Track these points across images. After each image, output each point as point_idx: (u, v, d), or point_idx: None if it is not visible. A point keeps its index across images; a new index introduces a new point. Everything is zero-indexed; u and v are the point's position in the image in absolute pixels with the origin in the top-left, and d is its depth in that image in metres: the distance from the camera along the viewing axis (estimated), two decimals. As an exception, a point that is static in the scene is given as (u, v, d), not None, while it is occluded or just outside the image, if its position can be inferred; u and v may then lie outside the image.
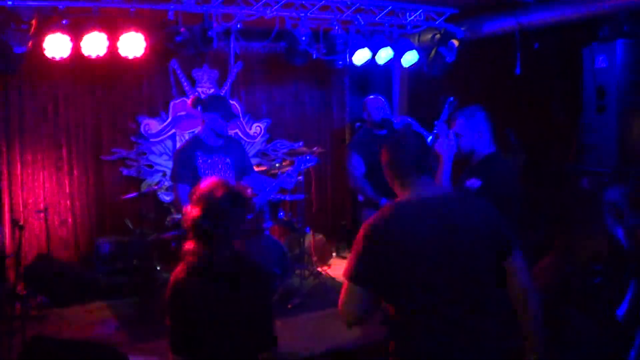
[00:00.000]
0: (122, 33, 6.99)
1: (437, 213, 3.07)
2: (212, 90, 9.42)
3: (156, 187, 8.38)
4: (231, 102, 9.41)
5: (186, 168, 6.14)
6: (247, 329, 3.37)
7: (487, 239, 3.09)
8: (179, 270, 3.41)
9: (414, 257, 2.97)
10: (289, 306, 7.56)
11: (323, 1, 7.64)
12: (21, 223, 6.70)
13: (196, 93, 9.30)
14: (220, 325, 3.34)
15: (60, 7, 6.57)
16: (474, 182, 4.48)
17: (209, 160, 6.16)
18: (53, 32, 6.65)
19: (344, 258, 9.88)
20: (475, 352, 2.98)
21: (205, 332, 3.34)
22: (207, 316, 3.32)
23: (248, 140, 9.79)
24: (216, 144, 6.21)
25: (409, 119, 7.35)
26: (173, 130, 9.20)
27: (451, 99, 6.31)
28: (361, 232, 3.10)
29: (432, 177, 3.29)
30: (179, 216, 7.34)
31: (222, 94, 9.38)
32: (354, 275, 3.06)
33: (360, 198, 7.47)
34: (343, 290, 3.12)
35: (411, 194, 3.19)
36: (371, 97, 7.31)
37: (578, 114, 7.24)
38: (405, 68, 8.73)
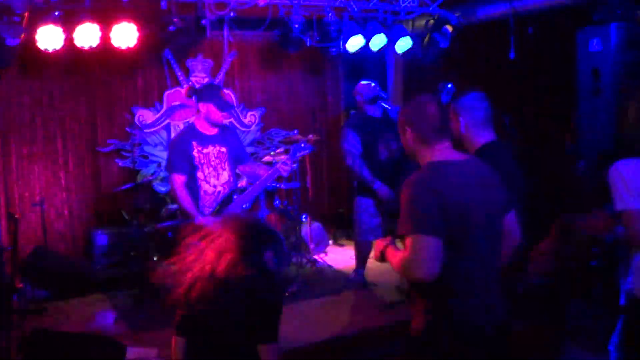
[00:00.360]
0: (114, 24, 6.97)
1: (468, 172, 3.29)
2: (206, 80, 9.39)
3: (151, 178, 8.37)
4: (225, 91, 9.42)
5: (182, 158, 6.14)
6: (254, 325, 3.47)
7: (501, 196, 3.37)
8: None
9: (463, 208, 3.14)
10: (286, 294, 7.57)
11: (316, -12, 7.64)
12: (17, 216, 6.69)
13: (190, 83, 9.27)
14: (228, 321, 3.47)
15: (52, -1, 6.55)
16: None
17: (204, 150, 6.16)
18: (45, 24, 6.63)
19: (341, 245, 9.90)
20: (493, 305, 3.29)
21: (213, 324, 3.52)
22: (218, 312, 3.48)
23: (243, 129, 9.77)
24: (211, 133, 6.20)
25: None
26: (168, 121, 9.18)
27: (449, 85, 6.31)
28: (410, 190, 3.17)
29: (451, 140, 3.40)
30: (175, 206, 7.35)
31: (216, 83, 9.36)
32: (429, 227, 3.07)
33: (355, 183, 7.50)
34: (413, 250, 3.08)
35: (438, 155, 3.31)
36: (364, 82, 7.42)
37: (573, 98, 7.24)
38: (399, 54, 8.72)
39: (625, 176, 3.85)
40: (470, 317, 3.20)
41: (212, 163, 6.19)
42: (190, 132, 6.24)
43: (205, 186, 6.20)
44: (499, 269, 3.35)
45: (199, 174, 6.17)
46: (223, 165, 6.22)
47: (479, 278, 3.22)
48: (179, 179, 6.10)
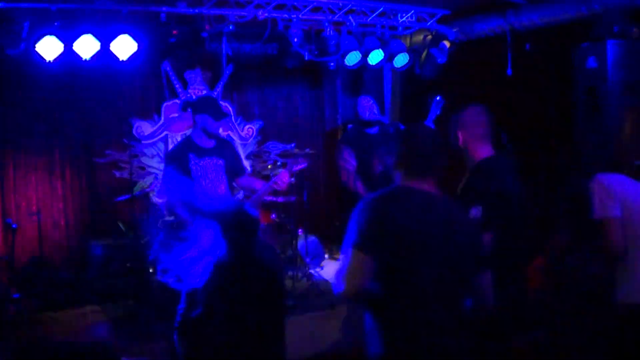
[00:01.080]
0: (114, 35, 6.98)
1: (439, 208, 3.14)
2: (204, 92, 9.41)
3: (148, 190, 8.37)
4: (223, 103, 9.43)
5: (178, 170, 6.13)
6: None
7: (470, 248, 3.18)
8: None
9: (414, 239, 3.02)
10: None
11: (315, 2, 7.66)
12: (14, 226, 6.69)
13: (188, 95, 9.29)
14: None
15: (53, 9, 6.56)
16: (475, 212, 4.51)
17: (201, 163, 6.14)
18: (45, 34, 6.65)
19: (337, 260, 9.88)
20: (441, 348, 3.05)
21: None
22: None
23: (240, 141, 9.78)
24: (208, 145, 6.18)
25: (400, 125, 7.38)
26: (165, 133, 9.19)
27: (438, 97, 6.33)
28: (363, 204, 3.12)
29: (435, 179, 3.26)
30: (172, 218, 7.34)
31: (214, 95, 9.39)
32: (361, 242, 3.02)
33: (349, 200, 7.52)
34: (342, 263, 3.07)
35: (414, 185, 3.20)
36: (362, 96, 7.45)
37: (570, 115, 7.26)
38: (397, 69, 8.74)
39: (607, 185, 3.94)
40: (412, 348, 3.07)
41: (210, 176, 6.17)
42: (188, 144, 6.21)
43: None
44: (450, 318, 3.09)
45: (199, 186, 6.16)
46: (220, 177, 6.20)
47: (421, 317, 3.05)
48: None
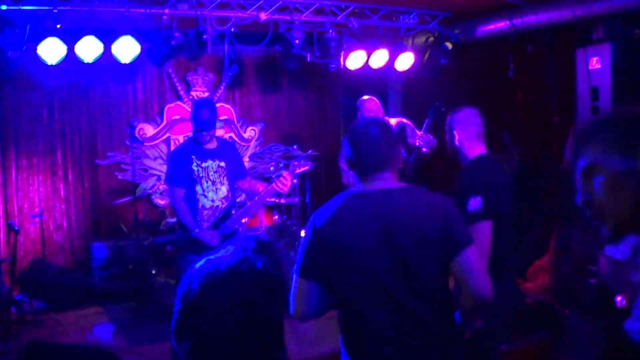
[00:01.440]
0: (116, 37, 6.99)
1: (376, 207, 2.94)
2: (206, 94, 9.44)
3: (151, 191, 8.39)
4: (225, 105, 9.47)
5: (181, 171, 6.12)
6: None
7: (430, 237, 2.89)
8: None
9: (349, 250, 2.89)
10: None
11: (317, 4, 7.66)
12: (16, 227, 6.69)
13: (191, 97, 9.32)
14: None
15: (55, 11, 6.57)
16: (474, 203, 4.51)
17: (203, 164, 6.13)
18: (47, 36, 6.66)
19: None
20: (405, 349, 2.92)
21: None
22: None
23: (242, 143, 9.80)
24: (211, 147, 6.18)
25: (404, 121, 7.37)
26: (168, 135, 9.21)
27: (437, 103, 6.36)
28: (308, 223, 3.09)
29: (393, 171, 3.05)
30: (174, 220, 7.34)
31: (216, 97, 9.42)
32: (298, 268, 2.99)
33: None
34: (293, 284, 3.01)
35: (362, 186, 3.04)
36: (365, 97, 7.38)
37: (572, 116, 7.26)
38: (399, 71, 8.74)
39: None
40: None
41: (211, 177, 6.16)
42: (191, 145, 6.21)
43: (203, 200, 6.12)
44: (430, 320, 2.91)
45: (197, 188, 6.10)
46: (222, 179, 6.18)
47: (393, 329, 2.91)
48: (178, 193, 6.09)
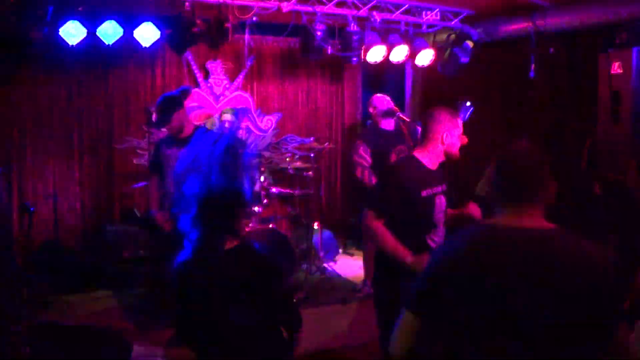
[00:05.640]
0: (138, 22, 7.01)
1: (530, 251, 2.47)
2: (224, 82, 9.45)
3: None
4: (243, 94, 9.48)
5: (154, 159, 6.53)
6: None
7: (583, 300, 2.41)
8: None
9: (491, 295, 2.46)
10: (294, 300, 7.56)
11: (340, -4, 7.65)
12: (32, 208, 6.71)
13: (209, 84, 9.33)
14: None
15: (78, -7, 6.59)
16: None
17: (167, 152, 6.32)
18: (69, 18, 6.67)
19: (351, 255, 9.88)
20: None
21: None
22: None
23: (259, 133, 9.80)
24: (184, 135, 6.28)
25: (418, 127, 7.38)
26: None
27: (468, 103, 6.30)
28: (433, 252, 2.80)
29: (541, 205, 2.61)
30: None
31: (234, 85, 9.46)
32: (409, 300, 2.64)
33: (362, 196, 7.54)
34: (399, 318, 2.66)
35: (505, 218, 2.61)
36: (378, 95, 7.51)
37: (592, 120, 7.22)
38: (419, 67, 8.70)
39: None
40: None
41: (171, 164, 6.29)
42: (166, 134, 6.54)
43: (166, 186, 6.40)
44: None
45: (164, 175, 6.41)
46: None
47: None
48: (153, 179, 6.59)
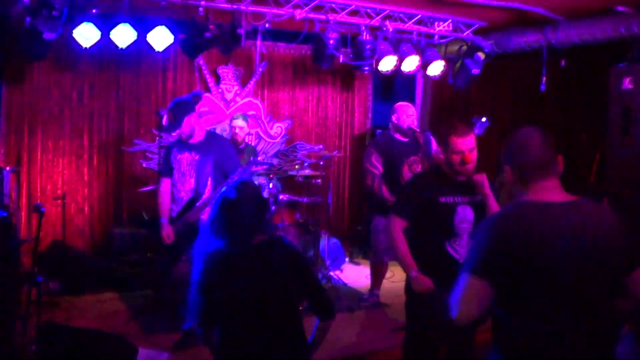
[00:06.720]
0: (151, 26, 7.03)
1: (565, 219, 2.84)
2: (235, 88, 9.48)
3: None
4: (254, 101, 9.52)
5: (165, 162, 6.51)
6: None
7: (611, 253, 2.84)
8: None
9: (543, 259, 2.76)
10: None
11: (353, 6, 7.65)
12: (42, 209, 6.72)
13: (220, 90, 9.36)
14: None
15: (92, -4, 6.62)
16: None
17: (178, 156, 6.37)
18: (83, 20, 6.70)
19: (357, 264, 9.88)
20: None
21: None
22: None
23: (269, 140, 9.82)
24: (193, 141, 6.30)
25: (429, 133, 7.37)
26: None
27: (484, 119, 6.29)
28: (485, 224, 2.98)
29: (557, 178, 3.01)
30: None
31: (245, 91, 9.49)
32: (479, 267, 2.84)
33: (373, 203, 7.52)
34: (457, 287, 2.88)
35: (534, 195, 2.94)
36: (402, 103, 7.44)
37: (602, 134, 7.22)
38: (429, 77, 8.72)
39: None
40: None
41: (182, 169, 6.35)
42: (177, 138, 6.50)
43: (174, 191, 6.46)
44: (596, 325, 2.85)
45: (173, 179, 6.44)
46: (191, 172, 6.32)
47: (574, 335, 2.82)
48: (163, 183, 6.53)
